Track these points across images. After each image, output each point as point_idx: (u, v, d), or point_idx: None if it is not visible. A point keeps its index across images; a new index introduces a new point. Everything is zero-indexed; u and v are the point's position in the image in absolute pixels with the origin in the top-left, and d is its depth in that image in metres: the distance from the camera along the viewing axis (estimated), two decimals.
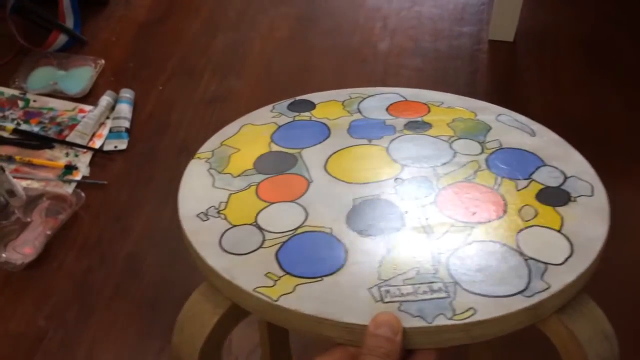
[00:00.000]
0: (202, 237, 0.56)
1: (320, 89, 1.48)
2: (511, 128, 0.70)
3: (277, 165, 0.65)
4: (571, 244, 0.55)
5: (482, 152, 0.66)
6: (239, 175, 0.63)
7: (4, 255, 1.16)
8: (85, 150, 1.35)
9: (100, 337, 1.07)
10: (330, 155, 0.66)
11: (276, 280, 0.52)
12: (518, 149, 0.66)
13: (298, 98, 0.77)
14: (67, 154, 1.35)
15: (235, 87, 1.52)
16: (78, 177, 1.31)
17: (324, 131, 0.70)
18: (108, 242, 1.22)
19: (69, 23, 1.59)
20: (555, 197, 0.59)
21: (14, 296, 1.15)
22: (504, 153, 0.66)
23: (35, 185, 1.29)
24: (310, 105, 0.75)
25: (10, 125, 1.38)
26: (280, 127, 0.71)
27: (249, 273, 0.53)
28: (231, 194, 0.61)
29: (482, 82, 1.53)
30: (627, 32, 1.65)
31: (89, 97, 1.47)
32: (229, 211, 0.59)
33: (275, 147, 0.67)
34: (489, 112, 0.73)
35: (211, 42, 1.63)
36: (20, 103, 1.44)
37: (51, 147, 1.36)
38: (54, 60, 1.52)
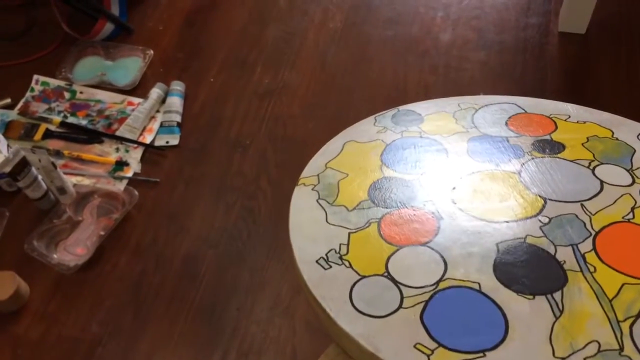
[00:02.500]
0: (329, 291, 0.46)
1: (379, 83, 1.38)
2: None
3: (395, 195, 0.55)
4: None
5: (634, 182, 0.55)
6: (354, 209, 0.54)
7: (55, 256, 1.08)
8: (136, 145, 1.25)
9: (158, 344, 0.99)
10: (456, 184, 0.56)
11: (429, 355, 0.43)
12: None
13: (401, 108, 0.67)
14: (117, 149, 1.25)
15: (290, 80, 1.41)
16: (129, 174, 1.22)
17: (440, 151, 0.60)
18: (163, 243, 1.14)
19: (115, 11, 1.47)
20: None
21: (66, 300, 1.07)
22: None
23: (85, 182, 1.20)
24: (417, 118, 0.65)
25: (57, 118, 1.28)
26: (388, 145, 0.61)
27: (394, 343, 0.43)
28: (350, 233, 0.51)
29: (552, 78, 1.41)
30: None
31: (138, 89, 1.35)
32: (353, 256, 0.49)
33: (388, 172, 0.57)
34: (627, 129, 0.62)
35: (262, 32, 1.51)
36: (67, 94, 1.33)
37: (100, 142, 1.25)
38: (101, 50, 1.35)
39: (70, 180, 1.14)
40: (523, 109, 0.65)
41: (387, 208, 0.52)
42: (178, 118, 1.26)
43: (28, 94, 1.29)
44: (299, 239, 0.50)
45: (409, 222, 0.51)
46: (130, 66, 1.33)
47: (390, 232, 0.50)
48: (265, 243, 1.10)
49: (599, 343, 0.42)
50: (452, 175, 0.56)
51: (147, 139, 1.23)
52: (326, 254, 0.49)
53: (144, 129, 1.24)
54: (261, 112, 1.30)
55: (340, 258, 0.48)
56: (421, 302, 0.45)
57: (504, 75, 1.36)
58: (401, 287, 0.46)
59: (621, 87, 1.33)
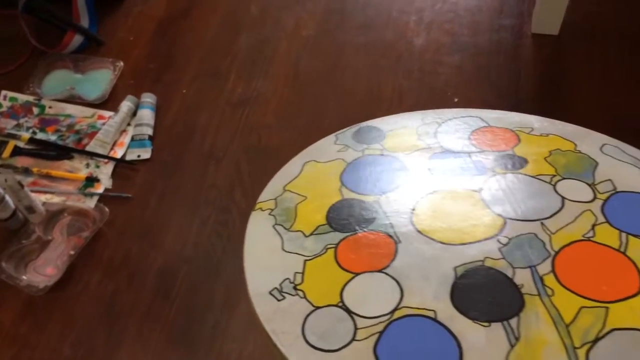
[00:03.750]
0: (281, 325, 0.45)
1: (354, 90, 1.37)
2: (621, 164, 0.58)
3: (354, 219, 0.54)
4: None
5: (595, 197, 0.55)
6: (311, 234, 0.52)
7: (25, 277, 1.06)
8: (106, 160, 1.22)
9: None
10: (416, 204, 0.55)
11: None
12: (637, 192, 0.55)
13: (364, 125, 0.66)
14: (87, 165, 1.23)
15: (263, 89, 1.40)
16: (100, 190, 1.19)
17: (401, 170, 0.59)
18: (136, 260, 1.12)
19: (85, 22, 1.44)
20: None
21: (37, 322, 1.05)
22: (621, 199, 0.54)
23: (55, 199, 1.18)
24: (379, 135, 0.64)
25: (26, 135, 1.25)
26: (349, 164, 0.60)
27: None
28: (306, 260, 0.50)
29: (527, 80, 1.40)
30: None
31: (109, 102, 1.33)
32: (308, 286, 0.48)
33: (348, 194, 0.56)
34: (590, 141, 0.62)
35: (234, 41, 1.49)
36: (36, 110, 1.30)
37: (70, 158, 1.23)
38: (70, 63, 1.32)
39: (40, 199, 1.12)
40: (487, 123, 0.64)
41: (344, 232, 0.51)
42: (149, 131, 1.24)
43: None
44: (252, 268, 0.49)
45: (366, 246, 0.50)
46: (100, 79, 1.31)
47: (346, 258, 0.49)
48: (240, 257, 1.08)
49: None
50: (413, 195, 0.55)
51: (118, 153, 1.21)
52: (280, 284, 0.48)
53: (114, 143, 1.22)
54: (234, 123, 1.28)
55: (295, 288, 0.47)
56: (375, 334, 0.44)
57: (478, 78, 1.35)
58: (355, 317, 0.45)
59: (595, 87, 1.33)
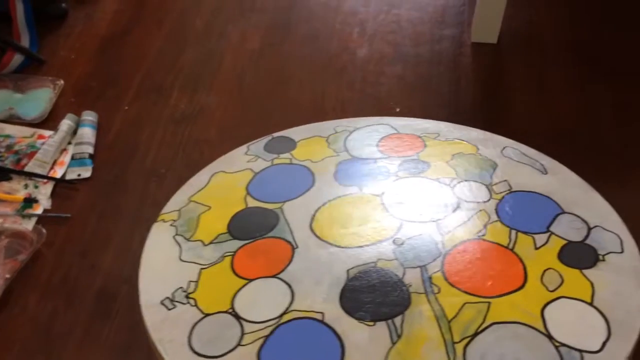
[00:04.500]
0: (168, 334, 0.45)
1: (298, 102, 1.38)
2: (519, 165, 0.61)
3: (255, 226, 0.54)
4: (607, 322, 0.46)
5: (491, 197, 0.56)
6: (210, 243, 0.53)
7: None
8: (46, 180, 1.21)
9: None
10: (317, 210, 0.56)
11: None
12: (531, 192, 0.57)
13: (276, 135, 0.67)
14: (26, 186, 1.21)
15: (207, 104, 1.40)
16: (39, 211, 1.18)
17: (307, 178, 0.60)
18: (74, 281, 1.11)
19: (25, 41, 1.43)
20: (580, 256, 0.50)
21: None
22: (515, 198, 0.57)
23: None
24: (290, 144, 0.65)
25: None
26: (257, 174, 0.61)
27: None
28: (202, 269, 0.51)
29: (467, 88, 1.43)
30: (614, 31, 1.57)
31: (49, 121, 1.31)
32: (200, 294, 0.49)
33: (252, 202, 0.57)
34: (492, 144, 0.64)
35: (179, 56, 1.50)
36: None
37: (8, 179, 1.21)
38: (9, 83, 1.34)
39: None
40: (396, 130, 0.66)
41: (244, 240, 0.52)
42: (90, 149, 1.23)
43: None
44: (147, 279, 0.49)
45: (263, 253, 0.51)
46: (40, 98, 1.30)
47: (242, 265, 0.50)
48: None
49: None
50: (315, 202, 0.56)
51: (58, 172, 1.20)
52: (172, 294, 0.48)
53: (54, 163, 1.21)
54: (177, 139, 1.28)
55: (187, 297, 0.48)
56: (261, 338, 0.45)
57: (419, 88, 1.38)
58: (244, 323, 0.46)
59: (532, 93, 1.36)
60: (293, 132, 0.66)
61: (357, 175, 0.59)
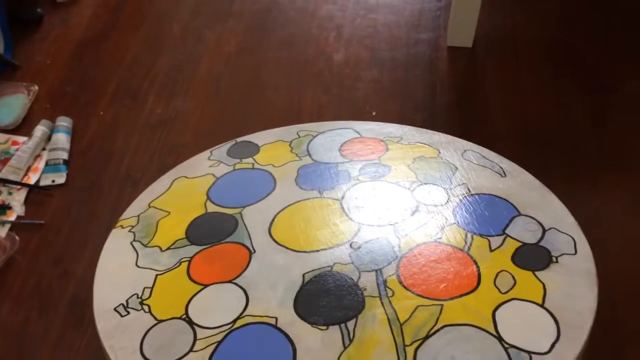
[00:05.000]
0: (120, 341, 0.45)
1: (274, 106, 1.38)
2: (479, 168, 0.61)
3: (213, 231, 0.54)
4: (557, 323, 0.46)
5: (449, 200, 0.57)
6: (168, 248, 0.53)
7: None
8: (19, 187, 1.20)
9: None
10: (277, 215, 0.56)
11: None
12: (488, 194, 0.57)
13: (240, 140, 0.67)
14: None
15: (183, 109, 1.40)
16: (12, 218, 1.17)
17: (268, 182, 0.60)
18: (47, 288, 1.10)
19: None
20: (534, 258, 0.50)
21: None
22: (473, 201, 0.57)
23: None
24: (253, 149, 0.65)
25: None
26: (218, 179, 0.61)
27: None
28: (158, 275, 0.50)
29: (442, 92, 1.44)
30: (587, 34, 1.58)
31: (23, 127, 1.30)
32: (155, 300, 0.48)
33: (212, 207, 0.57)
34: (453, 148, 0.64)
35: (154, 61, 1.49)
36: None
37: None
38: None
39: None
40: (359, 134, 0.66)
41: (202, 245, 0.52)
42: (65, 155, 1.23)
43: None
44: (102, 286, 0.49)
45: (220, 258, 0.51)
46: (13, 104, 1.29)
47: (198, 271, 0.50)
48: None
49: None
50: (276, 206, 0.56)
51: (32, 179, 1.20)
52: (127, 300, 0.48)
53: (28, 169, 1.21)
54: (153, 144, 1.28)
55: (141, 303, 0.48)
56: (213, 343, 0.44)
57: (395, 91, 1.38)
58: (197, 328, 0.45)
59: (507, 96, 1.37)
60: (257, 137, 0.66)
61: (318, 180, 0.59)
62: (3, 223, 1.15)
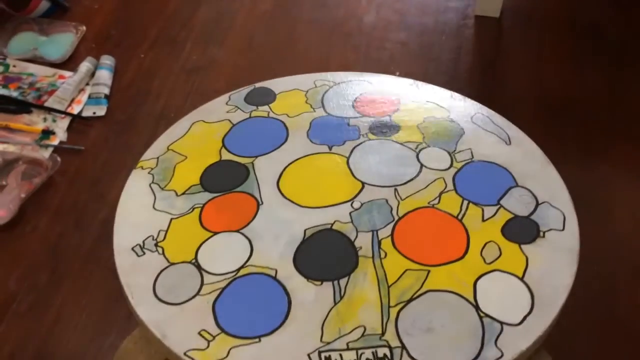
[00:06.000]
0: (136, 279, 0.45)
1: (303, 62, 1.34)
2: (486, 133, 0.57)
3: (226, 179, 0.53)
4: (532, 297, 0.44)
5: (451, 165, 0.54)
6: (183, 193, 0.51)
7: None
8: (63, 115, 1.21)
9: (70, 301, 0.96)
10: (286, 168, 0.54)
11: (210, 341, 0.41)
12: (490, 162, 0.54)
13: (258, 86, 0.64)
14: (45, 119, 1.21)
15: (217, 58, 1.36)
16: (55, 142, 1.17)
17: (281, 133, 0.57)
18: (83, 207, 1.11)
19: None
20: (522, 231, 0.48)
21: None
22: (474, 168, 0.54)
23: (11, 149, 1.16)
24: (270, 96, 0.62)
25: None
26: (234, 126, 0.58)
27: (182, 330, 0.42)
28: (172, 219, 0.49)
29: (466, 58, 1.38)
30: (612, 10, 1.50)
31: (69, 63, 1.30)
32: (168, 243, 0.47)
33: (226, 155, 0.55)
34: (464, 110, 0.60)
35: (194, 13, 1.45)
36: (0, 68, 1.29)
37: (29, 112, 1.21)
38: (35, 26, 1.28)
39: None
40: (374, 88, 0.62)
41: (214, 193, 0.51)
42: (106, 90, 1.22)
43: None
44: (122, 225, 0.48)
45: (230, 207, 0.49)
46: (62, 41, 1.28)
47: (209, 218, 0.49)
48: None
49: (365, 328, 0.41)
50: (286, 159, 0.54)
51: (75, 109, 1.20)
52: (143, 241, 0.47)
53: (72, 101, 1.21)
54: (187, 87, 1.26)
55: (156, 245, 0.47)
56: (218, 289, 0.44)
57: (421, 54, 1.34)
58: (204, 274, 0.45)
59: (529, 65, 1.31)
60: (274, 84, 0.63)
61: (329, 134, 0.57)
62: (47, 146, 1.17)
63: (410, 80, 0.63)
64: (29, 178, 1.12)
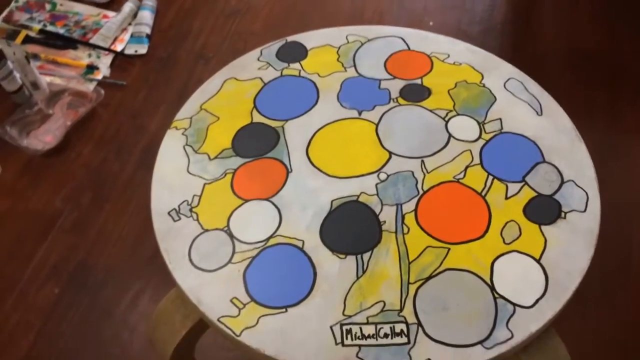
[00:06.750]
0: (172, 244, 0.44)
1: (338, 10, 1.23)
2: (518, 102, 0.53)
3: (257, 144, 0.50)
4: (547, 279, 0.42)
5: (480, 137, 0.50)
6: (215, 157, 0.50)
7: (25, 141, 1.08)
8: (107, 52, 1.19)
9: (111, 220, 0.99)
10: (315, 133, 0.51)
11: (241, 309, 0.41)
12: (519, 135, 0.51)
13: (290, 40, 0.59)
14: (89, 55, 1.19)
15: (254, 3, 1.29)
16: (99, 77, 1.16)
17: (312, 95, 0.54)
18: (124, 137, 1.11)
19: None
20: (544, 211, 0.46)
21: (33, 179, 1.05)
22: (502, 140, 0.50)
23: (58, 81, 1.15)
24: (302, 52, 0.58)
25: (37, 26, 1.21)
26: (265, 85, 0.55)
27: (215, 297, 0.42)
28: (206, 184, 0.48)
29: (500, 9, 1.27)
30: None
31: (113, 4, 1.27)
32: (202, 209, 0.46)
33: (257, 117, 0.53)
34: (498, 74, 0.55)
35: None
36: (48, 6, 1.26)
37: (75, 48, 1.19)
38: None
39: (45, 79, 1.10)
40: (407, 46, 0.58)
41: (245, 158, 0.49)
42: (148, 30, 1.19)
43: (13, 4, 1.23)
44: (158, 188, 0.47)
45: (260, 174, 0.48)
46: None
47: (240, 185, 0.47)
48: None
49: (384, 303, 0.41)
50: (316, 123, 0.52)
51: (118, 47, 1.18)
52: (179, 206, 0.46)
53: (115, 39, 1.19)
54: (226, 29, 1.22)
55: (191, 210, 0.46)
56: (249, 258, 0.43)
57: (455, 5, 1.26)
58: (236, 242, 0.44)
59: (562, 21, 1.22)
60: (306, 38, 0.59)
61: (359, 98, 0.53)
62: (91, 80, 1.15)
63: (446, 38, 0.58)
64: (74, 108, 1.12)
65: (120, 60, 1.17)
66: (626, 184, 0.98)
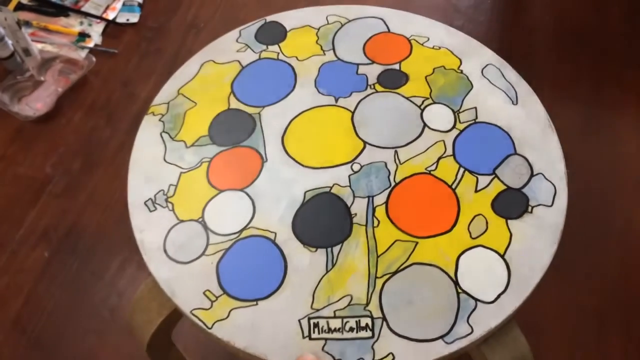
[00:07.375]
0: (148, 235, 0.42)
1: None
2: (494, 89, 0.51)
3: (233, 132, 0.48)
4: (509, 275, 0.41)
5: (454, 127, 0.48)
6: (192, 145, 0.47)
7: (16, 107, 1.04)
8: (98, 20, 1.14)
9: (102, 186, 0.96)
10: (291, 121, 0.49)
11: (213, 302, 0.40)
12: (492, 124, 0.49)
13: (269, 19, 0.56)
14: (81, 23, 1.14)
15: None
16: (91, 45, 1.11)
17: (290, 79, 0.51)
18: (115, 104, 1.08)
19: None
20: (512, 205, 0.44)
21: (24, 145, 1.02)
22: (475, 131, 0.48)
23: (49, 48, 1.11)
24: (281, 34, 0.55)
25: None
26: (243, 69, 0.52)
27: (189, 289, 0.40)
28: (182, 173, 0.46)
29: None
30: None
31: None
32: (178, 199, 0.44)
33: (234, 103, 0.50)
34: (477, 59, 0.53)
35: None
36: None
37: (67, 16, 1.14)
38: None
39: (36, 46, 1.06)
40: (387, 27, 0.55)
41: (221, 146, 0.47)
42: None
43: None
44: (135, 177, 0.45)
45: (236, 163, 0.46)
46: None
47: (216, 175, 0.45)
48: None
49: (351, 297, 0.40)
50: (292, 111, 0.49)
51: (110, 15, 1.12)
52: (154, 196, 0.44)
53: (107, 7, 1.13)
54: (218, 0, 1.16)
55: (166, 200, 0.44)
56: (222, 250, 0.42)
57: None
58: (210, 234, 0.42)
59: None
60: (286, 18, 0.56)
61: (336, 83, 0.51)
62: (82, 48, 1.11)
63: (427, 20, 0.55)
64: (65, 75, 1.08)
65: (112, 28, 1.12)
66: (607, 155, 0.96)
